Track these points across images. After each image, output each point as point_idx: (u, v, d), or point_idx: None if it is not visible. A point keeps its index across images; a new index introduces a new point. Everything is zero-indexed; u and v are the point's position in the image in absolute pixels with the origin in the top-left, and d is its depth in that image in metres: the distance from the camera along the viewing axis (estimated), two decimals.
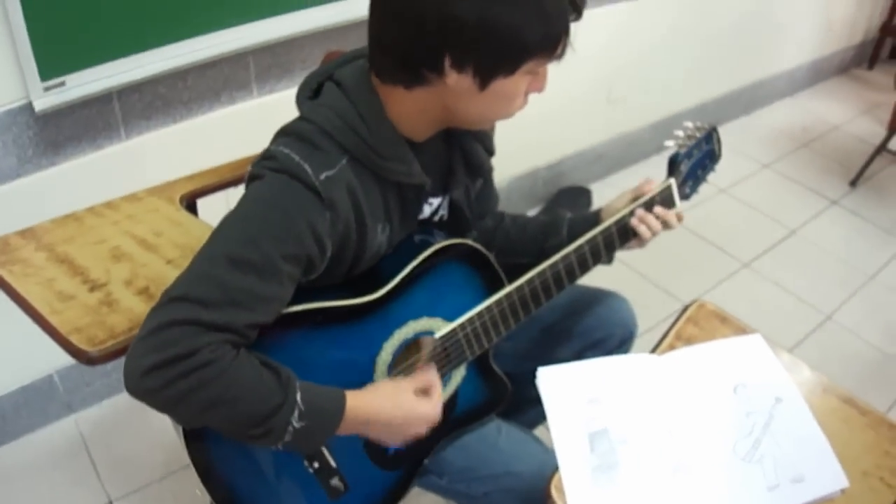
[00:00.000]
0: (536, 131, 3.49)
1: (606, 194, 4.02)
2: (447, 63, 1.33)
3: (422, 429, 1.52)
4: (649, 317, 3.12)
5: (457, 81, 1.36)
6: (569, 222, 1.85)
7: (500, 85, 1.38)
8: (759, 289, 3.69)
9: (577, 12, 1.38)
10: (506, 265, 1.68)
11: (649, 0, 3.83)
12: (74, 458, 2.61)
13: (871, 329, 3.51)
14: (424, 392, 1.53)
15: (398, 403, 1.47)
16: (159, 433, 2.59)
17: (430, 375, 1.55)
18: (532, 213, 3.73)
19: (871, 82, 5.91)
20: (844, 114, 5.39)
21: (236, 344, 1.27)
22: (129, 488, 2.50)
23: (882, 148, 4.47)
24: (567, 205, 3.96)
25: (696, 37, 4.30)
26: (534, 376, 1.63)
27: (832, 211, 4.32)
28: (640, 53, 3.99)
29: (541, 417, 2.08)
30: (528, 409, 1.91)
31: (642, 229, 1.74)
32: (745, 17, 4.56)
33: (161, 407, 1.25)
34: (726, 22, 4.44)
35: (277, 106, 1.38)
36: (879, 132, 4.87)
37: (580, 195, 4.05)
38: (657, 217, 1.76)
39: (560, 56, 1.40)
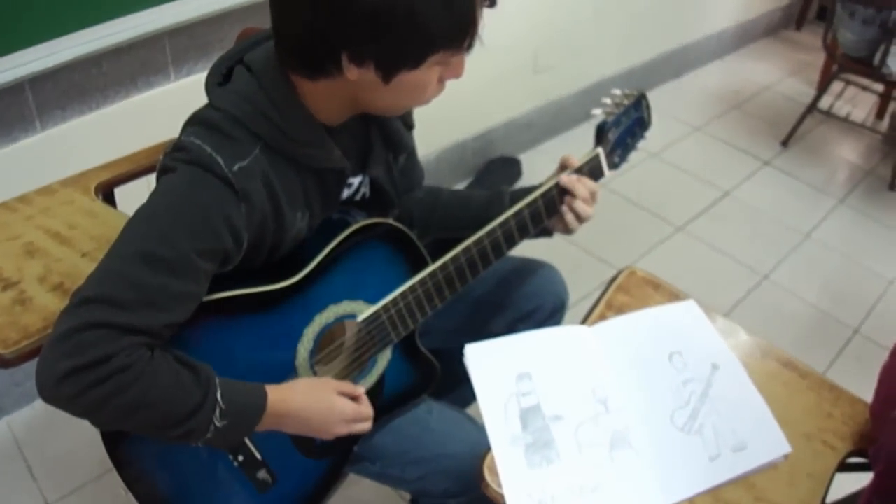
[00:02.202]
0: (463, 102, 3.47)
1: (536, 163, 4.06)
2: (345, 59, 1.29)
3: (342, 429, 1.49)
4: (582, 285, 3.10)
5: (359, 76, 1.31)
6: (511, 196, 1.81)
7: (406, 77, 1.33)
8: (694, 252, 3.69)
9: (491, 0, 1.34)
10: (448, 242, 1.65)
11: None
12: (8, 461, 2.54)
13: (808, 288, 3.54)
14: (352, 398, 1.51)
15: (321, 399, 1.45)
16: (94, 431, 2.44)
17: (358, 389, 1.53)
18: (462, 185, 3.71)
19: (799, 43, 5.94)
20: (774, 75, 5.42)
21: (151, 345, 1.23)
22: (66, 489, 2.45)
23: (812, 107, 4.50)
24: (497, 175, 3.93)
25: (623, 1, 4.27)
26: (462, 351, 1.60)
27: (765, 171, 4.35)
28: (566, 20, 3.96)
29: (473, 395, 2.07)
30: (460, 387, 1.87)
31: (569, 217, 1.69)
32: None
33: (78, 413, 1.20)
34: None
35: (196, 89, 1.34)
36: (809, 92, 4.95)
37: (510, 165, 4.03)
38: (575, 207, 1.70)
39: (468, 48, 1.36)
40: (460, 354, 1.63)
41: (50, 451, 2.57)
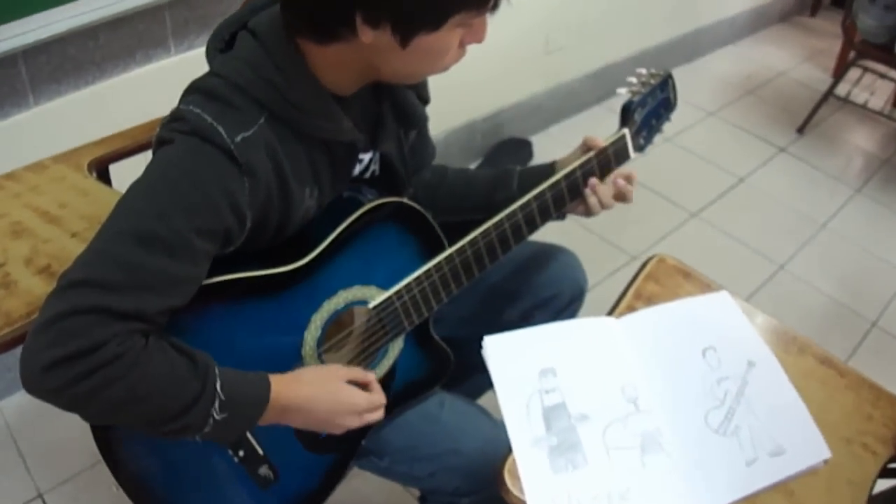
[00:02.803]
0: (473, 82, 3.38)
1: (546, 146, 3.99)
2: (360, 19, 1.19)
3: (353, 421, 1.39)
4: (596, 272, 3.02)
5: (374, 39, 1.22)
6: (519, 175, 1.73)
7: (425, 41, 1.23)
8: (709, 239, 3.62)
9: None
10: (454, 223, 1.55)
11: None
12: (1, 449, 2.47)
13: (824, 278, 3.47)
14: (362, 386, 1.41)
15: (329, 390, 1.35)
16: None
17: (369, 375, 1.43)
18: (472, 166, 3.64)
19: (813, 29, 5.85)
20: (788, 61, 5.33)
21: (145, 332, 1.13)
22: (60, 478, 2.38)
23: (829, 94, 4.41)
24: (507, 157, 3.86)
25: None
26: (478, 341, 1.50)
27: (780, 158, 4.27)
28: (578, 1, 3.90)
29: (487, 384, 1.97)
30: (472, 376, 1.80)
31: (592, 201, 1.63)
32: None
33: (65, 406, 1.11)
34: None
35: (198, 63, 1.28)
36: (824, 79, 4.89)
37: (521, 147, 3.96)
38: (616, 188, 1.66)
39: (493, 8, 1.26)
40: (473, 343, 1.54)
41: (43, 439, 2.50)
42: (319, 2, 1.20)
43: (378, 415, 1.44)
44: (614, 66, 4.37)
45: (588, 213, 1.66)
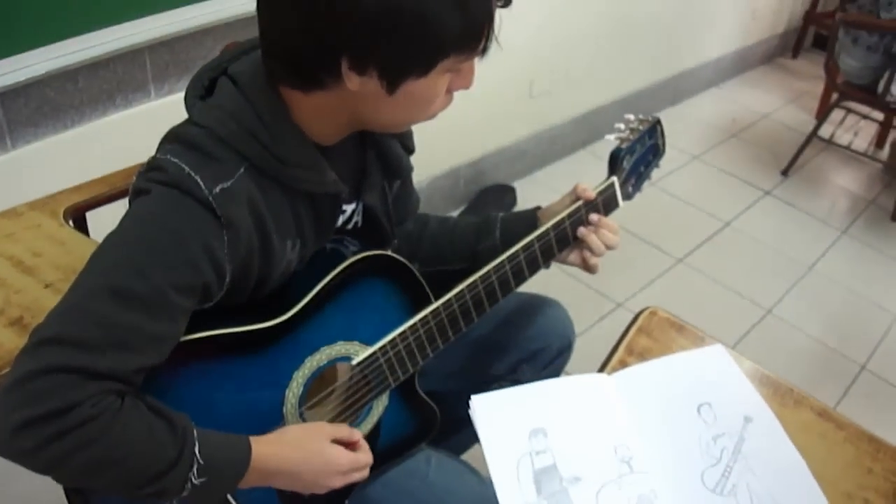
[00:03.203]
0: (456, 128, 3.37)
1: (530, 191, 3.98)
2: (345, 66, 1.15)
3: (337, 481, 1.34)
4: (582, 319, 3.01)
5: (360, 86, 1.18)
6: (502, 222, 1.69)
7: (413, 87, 1.20)
8: (696, 285, 3.61)
9: None
10: (436, 274, 1.51)
11: None
12: None
13: (812, 322, 3.46)
14: (347, 444, 1.36)
15: (312, 451, 1.30)
16: None
17: (355, 434, 1.38)
18: (455, 213, 3.62)
19: (796, 71, 5.90)
20: (772, 103, 5.36)
21: (121, 392, 1.08)
22: None
23: (812, 136, 4.43)
24: (491, 204, 3.85)
25: (620, 28, 4.23)
26: (464, 395, 1.46)
27: (766, 201, 4.27)
28: (562, 46, 3.91)
29: (473, 439, 1.93)
30: (458, 431, 1.75)
31: (592, 239, 1.60)
32: (668, 7, 4.51)
33: (37, 469, 1.06)
34: (649, 12, 4.38)
35: (178, 108, 1.25)
36: (807, 120, 4.91)
37: (504, 193, 3.95)
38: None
39: (483, 52, 1.23)
40: (460, 398, 1.48)
41: (13, 490, 2.40)
42: (304, 48, 1.16)
43: (363, 474, 1.39)
44: (599, 110, 4.38)
45: (584, 262, 1.63)
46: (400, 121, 1.32)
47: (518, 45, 3.54)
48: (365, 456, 1.38)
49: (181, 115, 1.29)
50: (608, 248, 1.62)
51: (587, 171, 4.18)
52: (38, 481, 2.26)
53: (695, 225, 4.00)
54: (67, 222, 1.76)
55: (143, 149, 1.73)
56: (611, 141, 1.70)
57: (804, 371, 3.17)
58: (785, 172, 4.49)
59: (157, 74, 2.41)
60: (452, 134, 3.40)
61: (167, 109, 2.39)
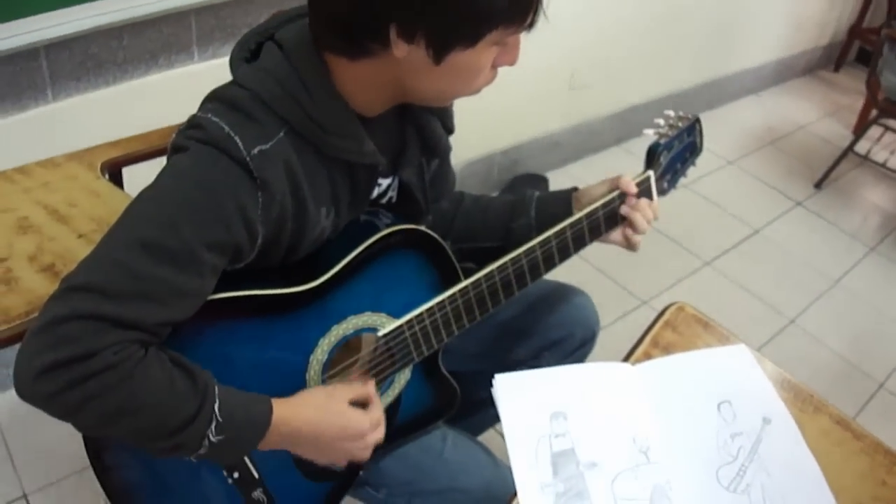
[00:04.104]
0: (494, 114, 3.37)
1: (562, 183, 3.86)
2: (394, 32, 1.15)
3: (357, 447, 1.35)
4: (607, 314, 2.98)
5: (407, 54, 1.18)
6: (538, 201, 1.69)
7: (460, 58, 1.19)
8: (721, 289, 3.59)
9: None
10: (468, 250, 1.51)
11: None
12: None
13: (834, 336, 3.43)
14: (362, 405, 1.36)
15: (334, 413, 1.30)
16: None
17: (369, 389, 1.38)
18: None
19: (836, 84, 5.84)
20: (810, 114, 5.31)
21: (145, 343, 1.09)
22: (46, 481, 2.34)
23: (848, 151, 4.39)
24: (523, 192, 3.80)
25: (665, 26, 4.20)
26: (484, 377, 1.46)
27: (797, 212, 4.24)
28: (605, 40, 3.88)
29: (489, 421, 1.95)
30: (475, 413, 1.76)
31: (636, 216, 1.60)
32: (715, 10, 4.47)
33: (56, 414, 1.07)
34: (696, 13, 4.35)
35: (221, 73, 1.25)
36: (844, 134, 4.88)
37: (537, 183, 3.93)
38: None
39: (531, 26, 1.22)
40: (480, 379, 1.49)
41: (33, 439, 2.46)
42: (353, 13, 1.16)
43: (380, 433, 1.39)
44: (637, 108, 4.36)
45: (630, 241, 1.64)
46: (444, 93, 1.32)
47: (561, 35, 3.50)
48: (378, 412, 1.39)
49: (223, 79, 1.29)
50: (648, 223, 1.62)
51: (620, 168, 4.09)
52: (53, 434, 2.29)
53: (725, 229, 3.98)
54: (104, 176, 1.78)
55: (182, 110, 1.73)
56: (649, 135, 1.70)
57: (822, 384, 3.12)
58: (818, 185, 4.45)
59: (201, 38, 2.41)
60: (490, 120, 3.39)
61: (209, 73, 2.41)
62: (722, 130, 4.86)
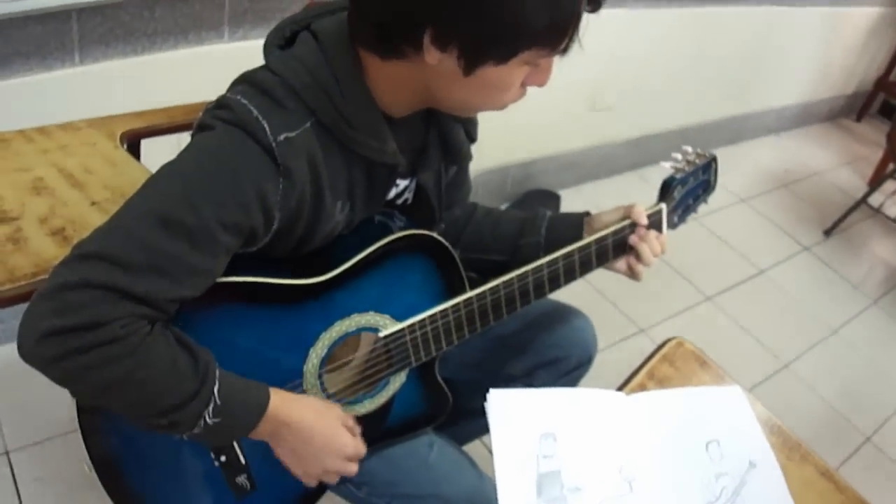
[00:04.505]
0: (515, 127, 3.36)
1: (574, 202, 3.96)
2: (428, 38, 1.15)
3: (333, 466, 1.36)
4: (602, 339, 2.95)
5: (438, 61, 1.18)
6: (549, 221, 1.69)
7: (490, 72, 1.19)
8: (720, 325, 3.59)
9: (594, 2, 1.19)
10: (474, 262, 1.51)
11: (650, 11, 3.72)
12: None
13: (826, 384, 3.42)
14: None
15: (327, 424, 1.32)
16: None
17: (356, 430, 1.41)
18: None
19: (857, 134, 5.85)
20: (827, 161, 5.33)
21: (152, 318, 1.10)
22: (30, 440, 2.33)
23: (861, 202, 4.39)
24: (534, 208, 3.76)
25: (694, 58, 4.21)
26: (477, 387, 1.47)
27: (803, 257, 4.24)
28: (632, 65, 3.89)
29: (476, 432, 1.95)
30: (463, 421, 1.75)
31: (643, 248, 1.60)
32: (744, 47, 4.49)
33: (56, 379, 1.07)
34: (725, 48, 4.36)
35: (248, 55, 1.25)
36: (859, 185, 4.88)
37: (549, 200, 3.93)
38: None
39: (564, 51, 1.22)
40: (471, 389, 1.52)
41: (22, 397, 2.44)
42: (391, 12, 1.16)
43: (353, 467, 1.40)
44: (656, 136, 4.36)
45: (634, 271, 1.64)
46: (471, 104, 1.32)
47: (589, 56, 3.47)
48: (361, 447, 1.40)
49: (250, 61, 1.29)
50: (655, 256, 1.62)
51: (633, 194, 4.12)
52: (42, 394, 2.29)
53: (730, 266, 3.98)
54: (122, 145, 1.77)
55: (205, 88, 1.74)
56: (665, 168, 1.70)
57: (809, 431, 3.12)
58: (828, 232, 4.45)
59: (233, 18, 2.41)
60: (510, 131, 3.39)
61: (237, 54, 2.42)
62: (738, 167, 4.87)
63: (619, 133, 4.20)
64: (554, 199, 3.95)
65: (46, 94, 2.15)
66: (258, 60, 1.29)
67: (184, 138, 1.83)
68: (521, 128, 3.50)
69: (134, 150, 1.83)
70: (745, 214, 4.46)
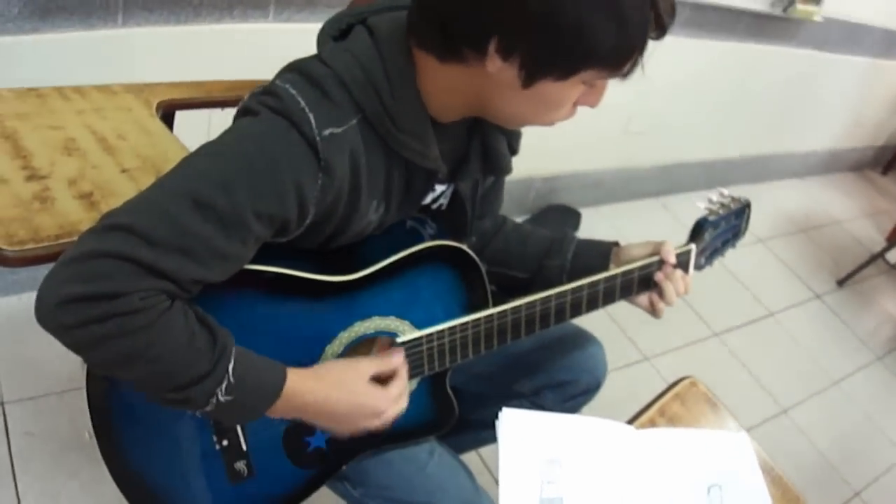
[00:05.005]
0: (546, 140, 3.31)
1: (594, 221, 3.96)
2: (493, 45, 1.13)
3: (373, 423, 1.34)
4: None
5: (499, 70, 1.16)
6: (577, 246, 1.69)
7: (548, 88, 1.18)
8: (723, 362, 3.58)
9: (661, 29, 1.18)
10: (496, 275, 1.50)
11: (693, 41, 3.72)
12: None
13: (822, 435, 3.41)
14: (384, 380, 1.36)
15: (349, 391, 1.30)
16: None
17: (396, 360, 1.37)
18: (517, 220, 3.61)
19: (881, 187, 5.84)
20: (848, 211, 5.32)
21: (173, 295, 1.08)
22: (26, 394, 2.33)
23: (878, 257, 4.40)
24: (554, 223, 3.84)
25: (729, 92, 4.21)
26: (482, 399, 1.47)
27: (814, 305, 4.24)
28: (669, 94, 3.87)
29: (475, 443, 1.94)
30: (463, 432, 1.74)
31: (668, 286, 1.60)
32: (781, 87, 4.48)
33: (71, 346, 1.06)
34: (762, 87, 4.36)
35: (290, 38, 1.23)
36: (877, 239, 4.88)
37: (570, 216, 3.93)
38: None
39: (626, 74, 1.21)
40: (477, 400, 1.55)
41: (22, 350, 2.43)
42: (460, 16, 1.14)
43: (400, 406, 1.39)
44: (683, 165, 4.36)
45: (655, 308, 1.64)
46: (521, 117, 1.30)
47: (629, 80, 3.48)
48: (397, 387, 1.38)
49: (292, 44, 1.28)
50: (678, 295, 1.62)
51: (653, 220, 4.16)
52: (43, 350, 2.28)
53: (740, 305, 3.97)
54: (157, 115, 1.76)
55: (245, 66, 1.73)
56: (699, 208, 1.71)
57: (799, 479, 3.06)
58: (841, 283, 4.44)
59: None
60: (540, 144, 3.36)
61: (280, 36, 2.41)
62: (759, 207, 4.75)
63: (647, 159, 4.20)
64: (574, 215, 3.95)
65: (85, 54, 2.14)
66: (300, 43, 1.28)
67: (215, 115, 1.82)
68: (552, 143, 3.47)
69: (168, 121, 1.81)
70: (761, 255, 4.46)
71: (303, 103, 1.14)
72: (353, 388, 1.30)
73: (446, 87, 1.24)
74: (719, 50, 3.86)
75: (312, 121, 1.13)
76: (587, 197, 4.10)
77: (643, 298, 1.64)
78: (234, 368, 1.12)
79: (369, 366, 1.34)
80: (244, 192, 1.09)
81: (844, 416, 3.59)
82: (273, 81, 1.20)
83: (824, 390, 3.67)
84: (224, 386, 1.12)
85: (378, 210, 1.31)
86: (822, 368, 3.79)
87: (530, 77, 1.16)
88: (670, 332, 3.57)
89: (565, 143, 3.60)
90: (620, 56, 1.16)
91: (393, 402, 1.36)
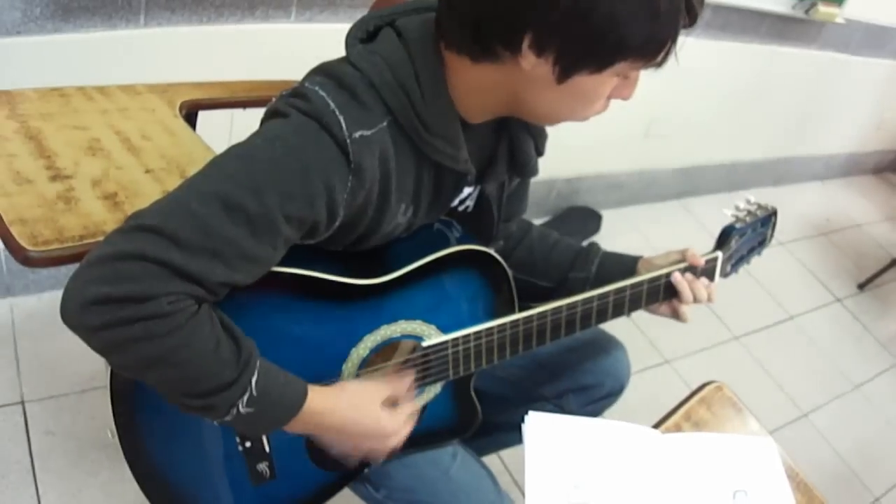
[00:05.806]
0: (568, 142, 3.32)
1: (615, 223, 3.94)
2: (526, 42, 1.12)
3: (379, 446, 1.35)
4: None
5: (533, 66, 1.15)
6: (601, 258, 1.68)
7: (582, 81, 1.17)
8: (744, 366, 3.57)
9: (692, 17, 1.17)
10: (519, 282, 1.49)
11: (716, 43, 3.70)
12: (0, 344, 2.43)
13: (842, 439, 3.39)
14: (394, 403, 1.36)
15: (362, 414, 1.30)
16: None
17: (404, 384, 1.37)
18: (538, 223, 3.59)
19: None
20: (870, 214, 5.30)
21: (201, 299, 1.08)
22: (46, 393, 2.33)
23: None
24: (575, 224, 3.83)
25: (751, 97, 4.20)
26: (505, 402, 1.47)
27: (834, 308, 4.22)
28: (691, 97, 3.87)
29: (497, 446, 1.94)
30: (486, 434, 1.73)
31: (684, 288, 1.58)
32: (803, 90, 4.46)
33: (96, 347, 1.05)
34: (784, 89, 4.34)
35: (312, 38, 1.23)
36: None
37: (591, 218, 3.92)
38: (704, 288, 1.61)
39: (660, 64, 1.21)
40: (500, 403, 1.55)
41: (44, 349, 2.45)
42: (493, 14, 1.13)
43: (400, 437, 1.39)
44: (704, 168, 4.35)
45: (678, 313, 1.64)
46: (556, 112, 1.28)
47: (652, 82, 3.47)
48: (402, 414, 1.38)
49: (314, 46, 1.28)
50: (697, 300, 1.61)
51: (675, 222, 4.14)
52: (64, 349, 2.29)
53: (761, 308, 3.96)
54: (181, 115, 1.76)
55: (267, 66, 1.72)
56: (726, 216, 1.71)
57: (818, 483, 3.08)
58: (861, 286, 4.42)
59: (302, 0, 2.40)
60: (563, 145, 3.36)
61: (301, 36, 2.40)
62: (780, 210, 4.75)
63: (669, 160, 4.20)
64: (596, 218, 3.94)
65: (107, 54, 2.14)
66: (322, 44, 1.27)
67: (237, 115, 1.82)
68: (575, 144, 3.48)
69: (191, 121, 1.80)
70: (781, 258, 4.44)
71: (332, 105, 1.13)
72: (367, 411, 1.31)
73: (479, 87, 1.23)
74: (741, 52, 3.85)
75: (342, 123, 1.12)
76: (609, 199, 4.09)
77: (665, 308, 1.63)
78: (257, 381, 1.12)
79: (380, 388, 1.34)
80: (274, 194, 1.08)
81: (864, 421, 3.57)
82: (302, 83, 1.19)
83: (845, 395, 3.65)
84: (246, 398, 1.11)
85: (407, 213, 1.30)
86: (842, 372, 3.77)
87: (565, 72, 1.15)
88: (691, 335, 3.55)
89: (587, 144, 3.62)
90: (654, 45, 1.15)
91: (402, 426, 1.37)
